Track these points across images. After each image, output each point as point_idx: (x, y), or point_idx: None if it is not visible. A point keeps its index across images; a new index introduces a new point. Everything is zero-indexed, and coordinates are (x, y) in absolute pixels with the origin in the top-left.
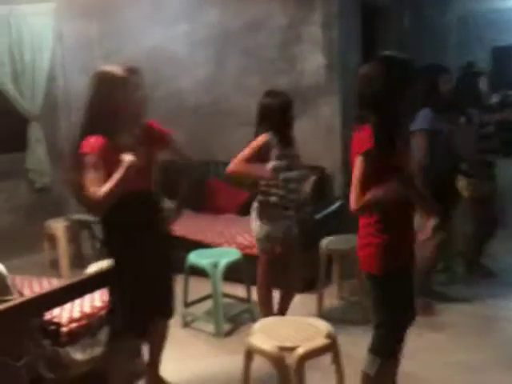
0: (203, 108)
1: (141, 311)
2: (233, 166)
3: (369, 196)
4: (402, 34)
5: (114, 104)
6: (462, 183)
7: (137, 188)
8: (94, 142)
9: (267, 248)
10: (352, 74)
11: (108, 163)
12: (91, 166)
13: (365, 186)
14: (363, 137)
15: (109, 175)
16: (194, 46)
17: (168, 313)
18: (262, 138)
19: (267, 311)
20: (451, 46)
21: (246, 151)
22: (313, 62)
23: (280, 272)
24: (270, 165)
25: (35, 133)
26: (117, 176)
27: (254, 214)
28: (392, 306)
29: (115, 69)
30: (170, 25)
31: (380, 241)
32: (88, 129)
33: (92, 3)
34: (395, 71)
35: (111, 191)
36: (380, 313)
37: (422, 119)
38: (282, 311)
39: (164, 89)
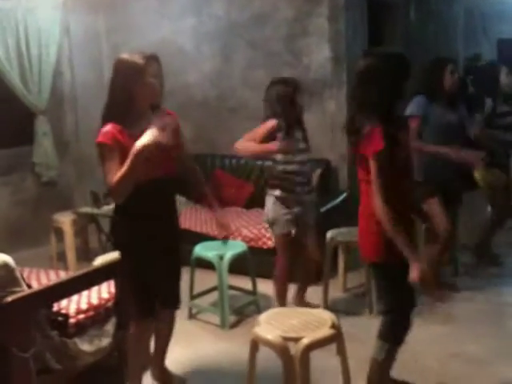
0: (210, 101)
1: (147, 298)
2: (240, 145)
3: (403, 242)
4: (408, 27)
5: (131, 91)
6: (479, 173)
7: (154, 175)
8: (107, 130)
9: (282, 230)
10: None
11: (124, 150)
12: (106, 155)
13: (386, 191)
14: (370, 138)
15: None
16: (200, 40)
17: (174, 303)
18: (270, 123)
19: (283, 302)
20: (457, 39)
21: (254, 131)
22: (319, 55)
23: (296, 263)
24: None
25: (42, 127)
26: (127, 162)
27: (267, 202)
28: (398, 293)
29: (135, 56)
30: (177, 18)
31: (383, 230)
32: (107, 115)
33: None
34: (394, 67)
35: (123, 178)
36: (387, 300)
37: (415, 105)
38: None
39: (171, 82)
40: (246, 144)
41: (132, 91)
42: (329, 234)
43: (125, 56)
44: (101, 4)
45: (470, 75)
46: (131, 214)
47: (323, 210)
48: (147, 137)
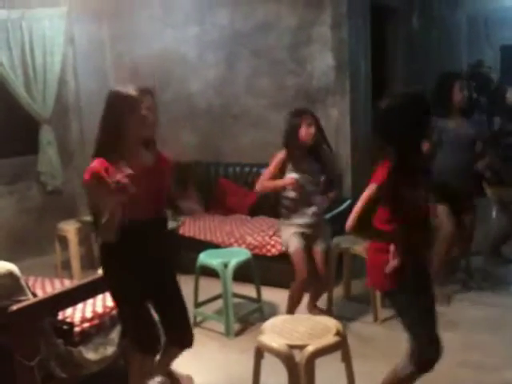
0: (214, 109)
1: (148, 335)
2: (259, 185)
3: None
4: (411, 34)
5: (124, 124)
6: (489, 190)
7: (142, 216)
8: (91, 168)
9: (294, 247)
10: (362, 75)
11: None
12: (88, 194)
13: (366, 211)
14: (383, 169)
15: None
16: (204, 48)
17: (188, 340)
18: (280, 155)
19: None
20: (460, 45)
21: (268, 169)
22: (322, 62)
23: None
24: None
25: (47, 136)
26: (108, 202)
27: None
28: (419, 318)
29: (129, 89)
30: (181, 27)
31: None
32: (98, 150)
33: (103, 6)
34: (418, 108)
35: (108, 219)
36: (409, 326)
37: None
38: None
39: (175, 91)
40: (264, 183)
41: (125, 124)
42: (333, 241)
43: (118, 89)
44: (105, 13)
45: (472, 81)
46: (120, 254)
47: (328, 216)
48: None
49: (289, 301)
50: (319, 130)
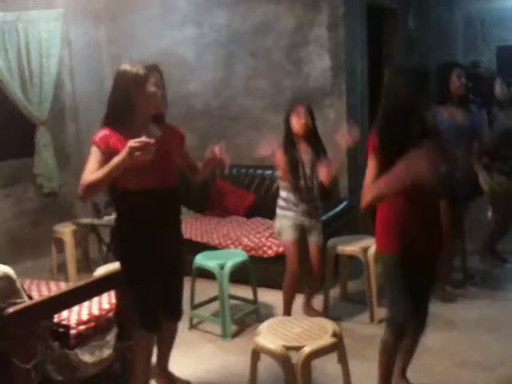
0: (212, 110)
1: (151, 310)
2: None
3: (380, 183)
4: (409, 35)
5: (132, 101)
6: (482, 178)
7: (152, 186)
8: (101, 133)
9: (288, 236)
10: (358, 76)
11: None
12: (91, 154)
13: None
14: (371, 138)
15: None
16: (202, 49)
17: (177, 314)
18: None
19: (288, 311)
20: (457, 46)
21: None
22: (319, 64)
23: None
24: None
25: (43, 138)
26: (105, 166)
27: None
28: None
29: (135, 66)
30: (179, 28)
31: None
32: (106, 120)
33: (99, 8)
34: (413, 81)
35: (96, 179)
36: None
37: None
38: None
39: (172, 92)
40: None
41: (133, 101)
42: (329, 243)
43: (125, 66)
44: (101, 14)
45: (469, 82)
46: (131, 223)
47: (324, 218)
48: (126, 150)
49: (283, 296)
50: (312, 120)
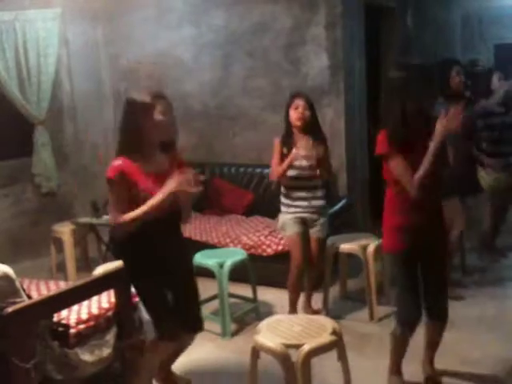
0: (209, 110)
1: (170, 320)
2: (272, 173)
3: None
4: (406, 34)
5: (141, 129)
6: (480, 174)
7: (160, 215)
8: (115, 164)
9: (290, 230)
10: (356, 75)
11: (132, 184)
12: (112, 190)
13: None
14: (381, 138)
15: (130, 198)
16: (199, 50)
17: (196, 325)
18: (276, 142)
19: (294, 310)
20: (455, 45)
21: (273, 159)
22: (317, 63)
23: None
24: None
25: (41, 137)
26: (149, 202)
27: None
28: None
29: (143, 95)
30: (176, 28)
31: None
32: (120, 150)
33: (97, 8)
34: (420, 79)
35: (139, 216)
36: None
37: None
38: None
39: (170, 92)
40: (275, 170)
41: (142, 130)
42: (329, 241)
43: (133, 96)
44: (99, 14)
45: (467, 80)
46: (141, 242)
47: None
48: (174, 183)
49: (289, 295)
50: (312, 112)
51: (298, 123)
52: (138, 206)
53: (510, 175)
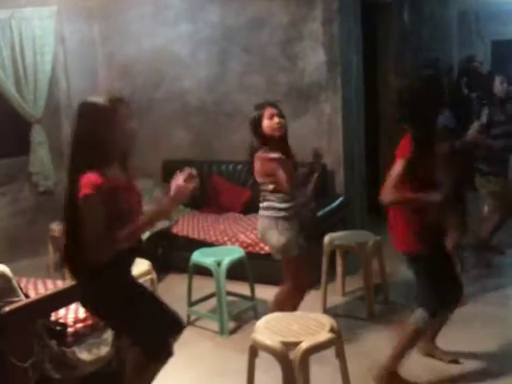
0: (206, 107)
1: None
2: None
3: (409, 196)
4: (403, 30)
5: (100, 137)
6: (478, 181)
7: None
8: (90, 179)
9: (296, 250)
10: (353, 71)
11: (115, 201)
12: (89, 209)
13: (398, 184)
14: (405, 143)
15: (108, 214)
16: (196, 46)
17: (180, 326)
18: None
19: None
20: (451, 41)
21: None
22: (314, 59)
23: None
24: None
25: (38, 136)
26: (147, 216)
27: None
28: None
29: (100, 99)
30: (172, 25)
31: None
32: (77, 164)
33: (93, 5)
34: (434, 90)
35: (146, 222)
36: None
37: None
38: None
39: (167, 89)
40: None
41: (101, 136)
42: (326, 238)
43: (90, 100)
44: (95, 12)
45: (464, 77)
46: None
47: (320, 213)
48: (181, 194)
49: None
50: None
51: (277, 133)
52: (122, 223)
53: (507, 179)
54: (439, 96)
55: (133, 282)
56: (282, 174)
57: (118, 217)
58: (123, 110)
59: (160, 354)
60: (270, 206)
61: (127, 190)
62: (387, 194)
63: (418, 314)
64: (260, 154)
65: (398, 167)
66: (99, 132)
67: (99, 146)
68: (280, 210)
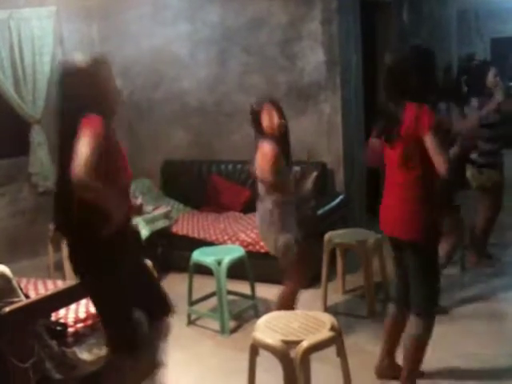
0: (206, 107)
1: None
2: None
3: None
4: (402, 29)
5: (83, 97)
6: (470, 173)
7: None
8: (95, 121)
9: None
10: (353, 70)
11: (112, 153)
12: (88, 141)
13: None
14: (421, 117)
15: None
16: (195, 46)
17: (166, 310)
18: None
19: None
20: (451, 39)
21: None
22: (313, 58)
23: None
24: None
25: (37, 136)
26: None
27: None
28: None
29: (81, 60)
30: (171, 25)
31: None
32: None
33: (92, 5)
34: (426, 60)
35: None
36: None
37: None
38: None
39: (166, 89)
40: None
41: (84, 97)
42: (326, 237)
43: (70, 61)
44: (94, 12)
45: (463, 75)
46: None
47: (320, 212)
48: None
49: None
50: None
51: (275, 131)
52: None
53: (501, 172)
54: (431, 60)
55: (127, 251)
56: (268, 163)
57: (104, 174)
58: (105, 71)
59: (124, 346)
60: (267, 207)
61: (118, 151)
62: (444, 163)
63: (415, 323)
64: (259, 144)
65: (433, 140)
66: (80, 93)
67: (84, 106)
68: (277, 210)
